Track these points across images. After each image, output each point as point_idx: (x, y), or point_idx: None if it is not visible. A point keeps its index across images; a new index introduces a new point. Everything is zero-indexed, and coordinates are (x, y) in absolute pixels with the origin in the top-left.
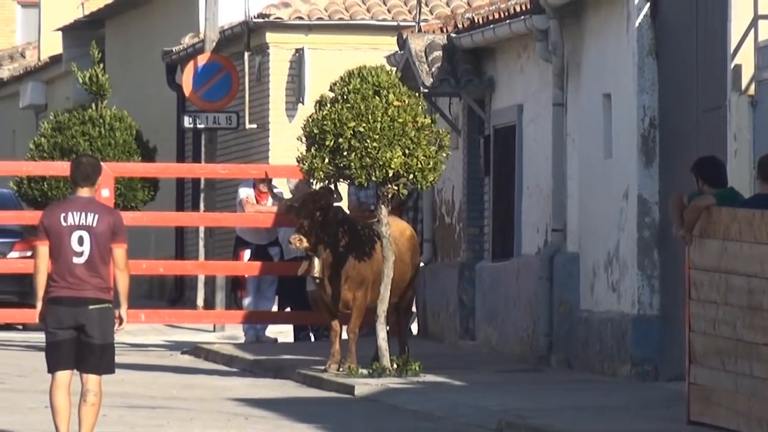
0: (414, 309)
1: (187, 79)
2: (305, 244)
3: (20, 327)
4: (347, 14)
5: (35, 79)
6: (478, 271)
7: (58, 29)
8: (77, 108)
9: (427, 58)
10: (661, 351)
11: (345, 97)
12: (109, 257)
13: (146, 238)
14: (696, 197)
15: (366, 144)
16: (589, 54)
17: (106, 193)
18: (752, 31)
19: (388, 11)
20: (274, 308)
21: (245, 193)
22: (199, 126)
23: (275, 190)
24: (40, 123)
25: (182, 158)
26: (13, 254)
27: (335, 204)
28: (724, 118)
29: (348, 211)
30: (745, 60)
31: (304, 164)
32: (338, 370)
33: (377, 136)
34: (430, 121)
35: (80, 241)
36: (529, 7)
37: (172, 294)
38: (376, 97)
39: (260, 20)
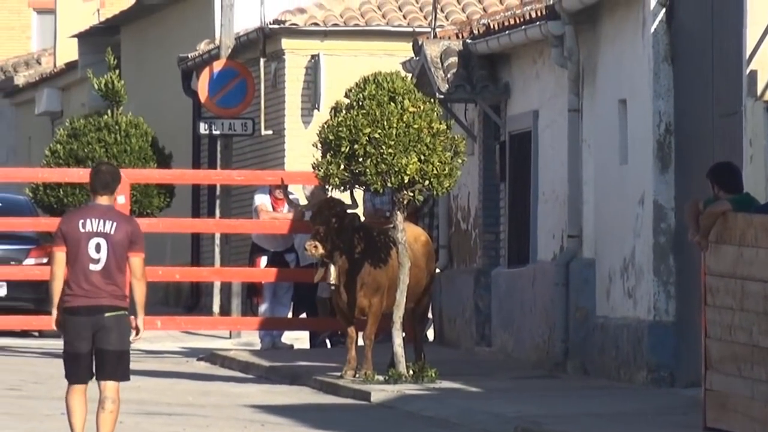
0: (430, 315)
1: (202, 85)
2: (321, 250)
3: (36, 334)
4: (363, 20)
5: (51, 85)
6: (494, 277)
7: (74, 36)
8: (93, 114)
9: (442, 64)
10: (677, 357)
11: (360, 103)
12: (126, 265)
13: (162, 244)
14: (712, 203)
15: (381, 150)
16: (605, 60)
17: (122, 200)
18: None
19: (404, 17)
20: (290, 315)
21: (261, 199)
22: (214, 132)
23: (291, 197)
24: (56, 129)
25: (198, 165)
26: (29, 261)
27: (351, 211)
28: (740, 124)
29: (363, 218)
30: (761, 65)
31: (319, 170)
32: (354, 376)
33: (393, 143)
34: (445, 127)
35: (97, 248)
36: (544, 13)
37: (188, 301)
38: (392, 104)
39: (276, 26)
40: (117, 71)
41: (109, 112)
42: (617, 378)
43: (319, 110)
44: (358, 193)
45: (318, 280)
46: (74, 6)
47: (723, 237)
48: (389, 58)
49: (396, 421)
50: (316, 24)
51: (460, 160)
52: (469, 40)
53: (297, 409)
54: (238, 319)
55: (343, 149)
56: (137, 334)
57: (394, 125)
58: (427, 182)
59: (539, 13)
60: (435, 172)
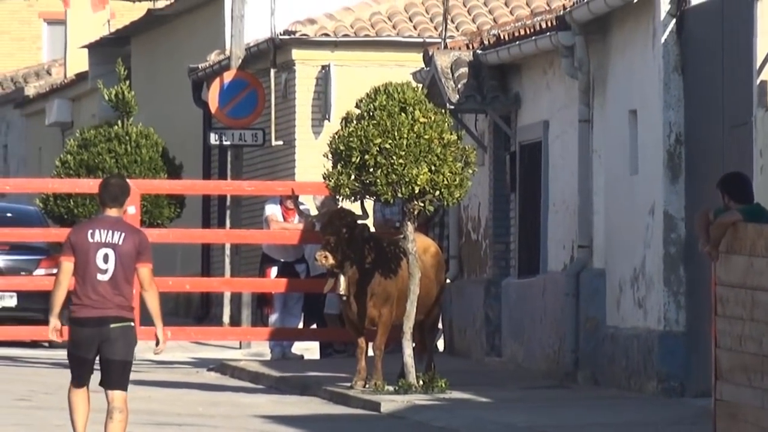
0: (440, 326)
1: (213, 96)
2: (331, 261)
3: (46, 344)
4: (373, 31)
5: (61, 96)
6: (504, 287)
7: (84, 46)
8: (103, 125)
9: (453, 75)
10: (687, 367)
11: (371, 113)
12: (133, 277)
13: (172, 255)
14: (722, 213)
15: (392, 160)
16: (615, 70)
17: (132, 210)
18: None
19: (414, 28)
20: (301, 325)
21: (271, 210)
22: (225, 143)
23: (301, 207)
24: (66, 140)
25: (208, 175)
26: (40, 271)
27: (361, 221)
28: (750, 134)
29: (373, 228)
30: None
31: (330, 181)
32: (364, 386)
33: (403, 153)
34: (456, 137)
35: (105, 258)
36: (554, 23)
37: (199, 311)
38: (402, 114)
39: (286, 37)
40: (127, 82)
41: (119, 122)
42: (627, 388)
43: (329, 121)
44: (369, 204)
45: (328, 290)
46: (85, 17)
47: (733, 247)
48: (400, 69)
49: None
50: (326, 35)
51: (470, 171)
52: (479, 51)
53: (307, 420)
54: (248, 329)
55: (353, 160)
56: (158, 345)
57: (405, 136)
58: (437, 193)
59: (549, 24)
60: (445, 182)
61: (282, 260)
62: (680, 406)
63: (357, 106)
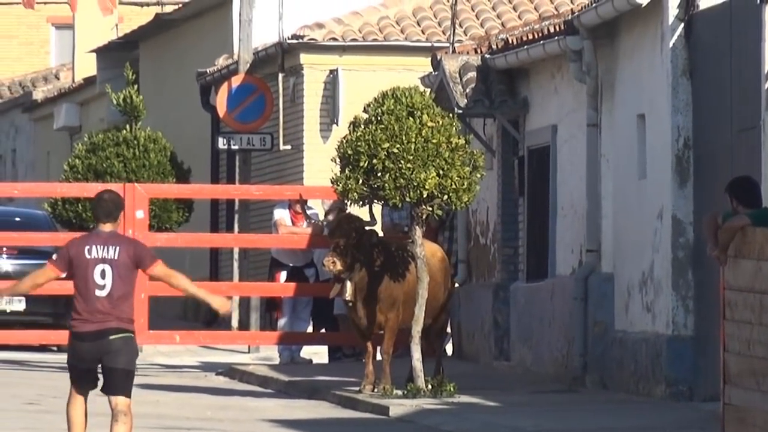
0: (449, 330)
1: (221, 100)
2: (339, 266)
3: (55, 348)
4: (381, 35)
5: (69, 100)
6: (512, 291)
7: (93, 51)
8: (111, 129)
9: (461, 79)
10: (695, 371)
11: (379, 118)
12: (133, 289)
13: (181, 259)
14: (730, 217)
15: (400, 165)
16: (623, 75)
17: (140, 215)
18: None
19: (422, 32)
20: (309, 329)
21: (280, 214)
22: (233, 147)
23: (310, 212)
24: (75, 144)
25: (216, 179)
26: None
27: (369, 227)
28: (759, 138)
29: (381, 233)
30: None
31: (338, 185)
32: (373, 391)
33: (411, 157)
34: (464, 141)
35: (102, 274)
36: (562, 27)
37: (207, 315)
38: (410, 118)
39: (294, 41)
40: (135, 86)
41: (127, 126)
42: (636, 392)
43: (337, 125)
44: (376, 208)
45: (333, 295)
46: (93, 21)
47: (742, 251)
48: (408, 73)
49: None
50: (334, 39)
51: (478, 175)
52: (487, 55)
53: (315, 424)
54: (257, 333)
55: (361, 164)
56: (217, 316)
57: (413, 140)
58: (445, 197)
59: (557, 28)
60: (454, 186)
61: (291, 264)
62: (689, 411)
63: (365, 111)
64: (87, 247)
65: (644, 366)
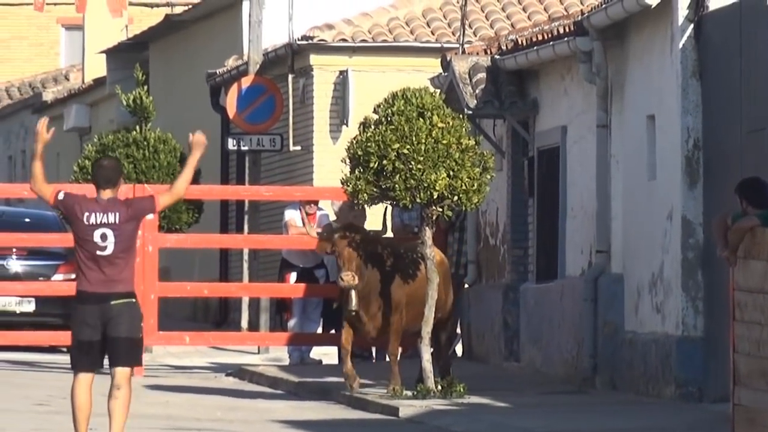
0: (458, 331)
1: (231, 101)
2: (357, 281)
3: (65, 349)
4: (391, 36)
5: (79, 101)
6: (522, 292)
7: (102, 52)
8: (121, 130)
9: (471, 80)
10: (705, 372)
11: (389, 118)
12: (133, 252)
13: (191, 260)
14: (740, 218)
15: (410, 166)
16: (633, 75)
17: (150, 215)
18: None
19: (432, 33)
20: (319, 330)
21: (291, 215)
22: (243, 148)
23: (320, 213)
24: (84, 145)
25: (226, 180)
26: (58, 276)
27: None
28: None
29: (392, 234)
30: None
31: (348, 186)
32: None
33: (421, 158)
34: (474, 142)
35: (103, 237)
36: (572, 29)
37: (217, 316)
38: (420, 119)
39: (304, 42)
40: (145, 87)
41: (137, 127)
42: (645, 393)
43: (347, 126)
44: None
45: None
46: (103, 22)
47: (751, 252)
48: (417, 74)
49: None
50: (344, 40)
51: (488, 176)
52: (497, 56)
53: (325, 425)
54: (267, 334)
55: (371, 165)
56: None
57: (423, 141)
58: (455, 198)
59: (567, 29)
60: (464, 187)
61: (301, 265)
62: (698, 412)
63: (375, 111)
64: (87, 214)
65: (654, 367)
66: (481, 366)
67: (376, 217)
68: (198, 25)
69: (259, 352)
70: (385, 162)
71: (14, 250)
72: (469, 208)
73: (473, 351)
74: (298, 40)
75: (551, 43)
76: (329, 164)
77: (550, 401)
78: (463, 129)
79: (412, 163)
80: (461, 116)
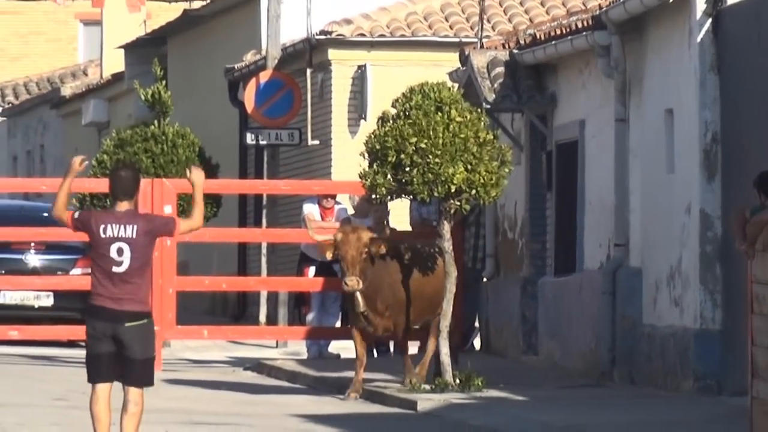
0: (477, 324)
1: (249, 95)
2: (361, 284)
3: (83, 344)
4: (409, 31)
5: (97, 96)
6: (540, 286)
7: (121, 47)
8: (140, 125)
9: (489, 74)
10: (723, 365)
11: (407, 113)
12: (149, 268)
13: (209, 254)
14: (758, 212)
15: (428, 160)
16: (651, 69)
17: (168, 210)
18: None
19: (450, 27)
20: (338, 324)
21: (309, 209)
22: (261, 142)
23: (338, 207)
24: (103, 140)
25: (245, 175)
26: (76, 271)
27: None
28: None
29: (410, 227)
30: None
31: (366, 180)
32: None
33: (439, 152)
34: (492, 136)
35: (119, 252)
36: (590, 23)
37: (235, 310)
38: (438, 113)
39: (322, 37)
40: (164, 82)
41: (155, 122)
42: (664, 387)
43: (365, 120)
44: (405, 203)
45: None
46: (121, 17)
47: None
48: (436, 69)
49: (443, 430)
50: (362, 35)
51: (506, 170)
52: (515, 50)
53: (344, 419)
54: (285, 328)
55: (389, 159)
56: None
57: (441, 135)
58: (473, 191)
59: (585, 24)
60: (482, 181)
61: (320, 259)
62: (717, 405)
63: (393, 106)
64: (102, 226)
65: (672, 360)
66: (499, 360)
67: (397, 212)
68: (216, 19)
69: (277, 346)
70: (403, 156)
71: (32, 244)
72: (487, 202)
73: (491, 345)
74: (317, 34)
75: (569, 37)
76: (347, 158)
77: (569, 395)
78: (481, 123)
79: (430, 157)
80: (479, 110)
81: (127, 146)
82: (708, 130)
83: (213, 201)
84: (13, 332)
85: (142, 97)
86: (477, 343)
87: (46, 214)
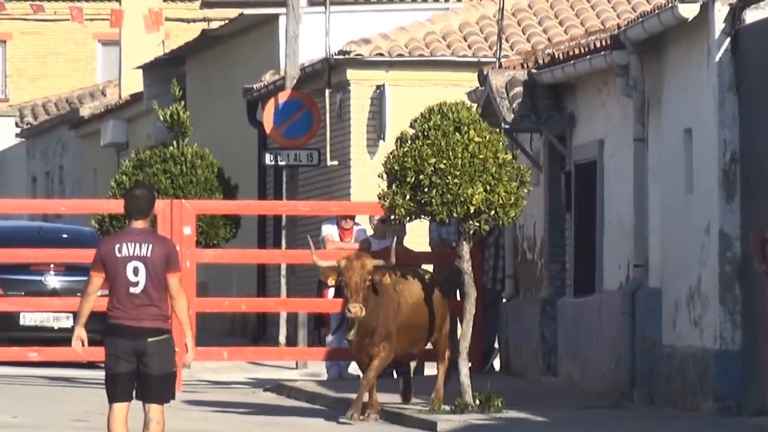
0: (496, 345)
1: (268, 116)
2: (364, 312)
3: (102, 364)
4: (427, 51)
5: (116, 117)
6: (560, 306)
7: (139, 67)
8: (158, 146)
9: (507, 94)
10: (743, 386)
11: (426, 133)
12: (165, 286)
13: (228, 275)
14: None
15: (447, 180)
16: (670, 89)
17: (188, 231)
18: None
19: (469, 47)
20: None
21: (328, 230)
22: (280, 163)
23: (357, 228)
24: (122, 161)
25: (264, 195)
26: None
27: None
28: None
29: (430, 248)
30: None
31: (385, 201)
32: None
33: (458, 173)
34: (511, 157)
35: (135, 271)
36: (609, 42)
37: (255, 331)
38: (457, 134)
39: (341, 57)
40: (182, 102)
41: (174, 143)
42: (684, 407)
43: (384, 140)
44: (424, 224)
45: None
46: (139, 38)
47: None
48: (454, 89)
49: None
50: (380, 54)
51: (525, 190)
52: (534, 70)
53: None
54: (305, 349)
55: (408, 179)
56: (187, 352)
57: (460, 155)
58: (492, 212)
59: (604, 43)
60: (501, 202)
61: None
62: (736, 425)
63: (411, 126)
64: (117, 246)
65: (692, 381)
66: (518, 380)
67: (416, 233)
68: (235, 40)
69: (297, 367)
70: (421, 177)
71: (52, 265)
72: (506, 223)
73: (511, 365)
74: (335, 54)
75: (588, 56)
76: (366, 179)
77: (588, 416)
78: (500, 143)
79: (449, 177)
80: (498, 130)
81: (146, 167)
82: (727, 149)
83: (232, 222)
84: (33, 354)
85: (161, 118)
86: (497, 363)
87: (65, 236)
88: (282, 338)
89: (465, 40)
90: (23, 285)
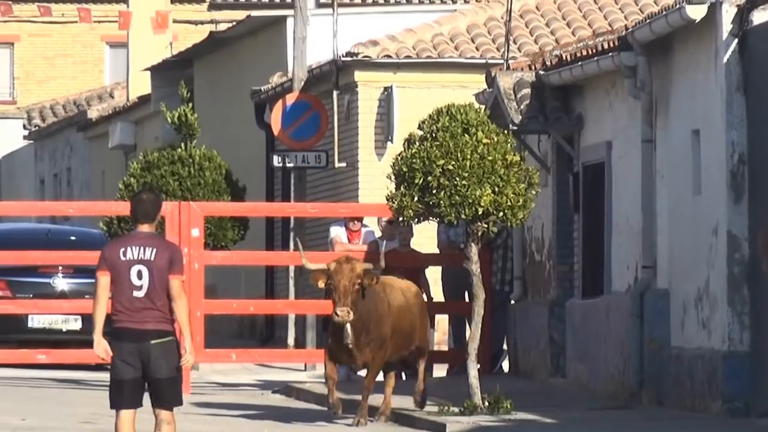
0: (505, 347)
1: (275, 118)
2: (352, 316)
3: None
4: (435, 52)
5: (124, 119)
6: (568, 308)
7: (147, 69)
8: (166, 147)
9: (515, 96)
10: (751, 387)
11: (434, 135)
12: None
13: (236, 277)
14: None
15: (455, 182)
16: (678, 90)
17: (196, 233)
18: None
19: (476, 49)
20: None
21: (336, 231)
22: (288, 165)
23: (365, 230)
24: (130, 163)
25: (272, 197)
26: None
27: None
28: None
29: (438, 250)
30: None
31: (393, 202)
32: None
33: (466, 174)
34: (519, 158)
35: (139, 275)
36: (616, 44)
37: (263, 333)
38: (465, 135)
39: (348, 59)
40: (190, 104)
41: (182, 145)
42: (692, 408)
43: (392, 142)
44: (433, 225)
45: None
46: (147, 40)
47: None
48: (462, 90)
49: None
50: (388, 56)
51: (534, 192)
52: (541, 72)
53: None
54: (313, 351)
55: (416, 181)
56: (187, 354)
57: (468, 157)
58: (501, 214)
59: (612, 44)
60: (509, 203)
61: None
62: (745, 426)
63: (419, 128)
64: (122, 249)
65: (700, 382)
66: (527, 382)
67: (425, 234)
68: (242, 42)
69: (305, 369)
70: (430, 178)
71: (60, 268)
72: (515, 224)
73: (519, 367)
74: (343, 56)
75: (596, 58)
76: (374, 181)
77: (597, 417)
78: (508, 145)
79: (457, 179)
80: (506, 132)
81: (154, 169)
82: (735, 150)
83: (240, 224)
84: (41, 356)
85: (169, 120)
86: (506, 365)
87: (73, 238)
88: (290, 340)
89: (473, 41)
90: (31, 287)
